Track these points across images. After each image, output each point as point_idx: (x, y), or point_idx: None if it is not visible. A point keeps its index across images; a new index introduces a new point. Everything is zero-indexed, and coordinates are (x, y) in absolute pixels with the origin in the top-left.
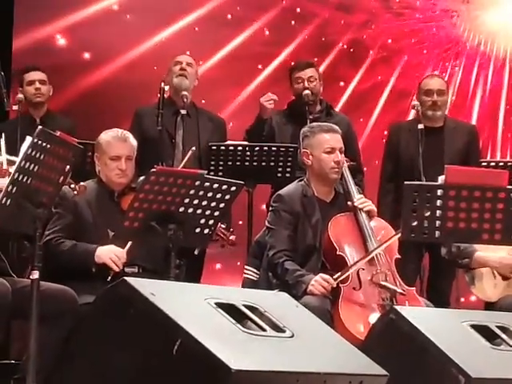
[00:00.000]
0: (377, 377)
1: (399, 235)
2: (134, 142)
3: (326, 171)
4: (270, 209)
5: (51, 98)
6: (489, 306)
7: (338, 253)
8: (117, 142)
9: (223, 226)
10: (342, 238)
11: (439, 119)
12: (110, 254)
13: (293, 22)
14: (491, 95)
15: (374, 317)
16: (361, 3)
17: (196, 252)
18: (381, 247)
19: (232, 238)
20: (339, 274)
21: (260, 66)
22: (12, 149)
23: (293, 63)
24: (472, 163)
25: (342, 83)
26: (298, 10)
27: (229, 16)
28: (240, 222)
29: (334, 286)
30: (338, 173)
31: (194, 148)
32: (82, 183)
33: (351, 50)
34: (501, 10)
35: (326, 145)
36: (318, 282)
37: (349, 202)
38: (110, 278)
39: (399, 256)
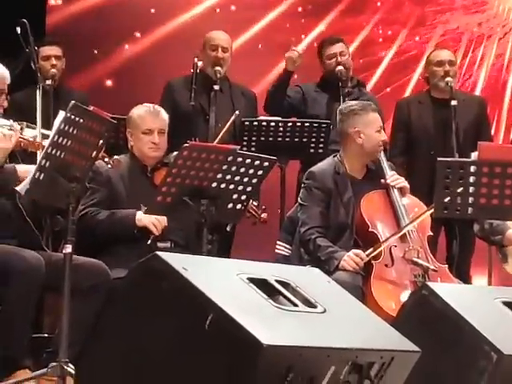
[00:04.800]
0: (409, 353)
1: (431, 211)
2: (165, 115)
3: (376, 149)
4: (303, 185)
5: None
6: None
7: (370, 230)
8: (149, 116)
9: (255, 203)
10: (375, 215)
11: (449, 90)
12: (150, 217)
13: None
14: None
15: (405, 294)
16: None
17: (228, 228)
18: (413, 223)
19: (264, 215)
20: (371, 249)
21: (293, 39)
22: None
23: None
24: (484, 134)
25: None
26: None
27: None
28: (271, 198)
29: (366, 261)
30: (381, 151)
31: (227, 125)
32: (116, 157)
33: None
34: None
35: (378, 123)
36: (350, 258)
37: (382, 180)
38: (150, 241)
39: (431, 233)
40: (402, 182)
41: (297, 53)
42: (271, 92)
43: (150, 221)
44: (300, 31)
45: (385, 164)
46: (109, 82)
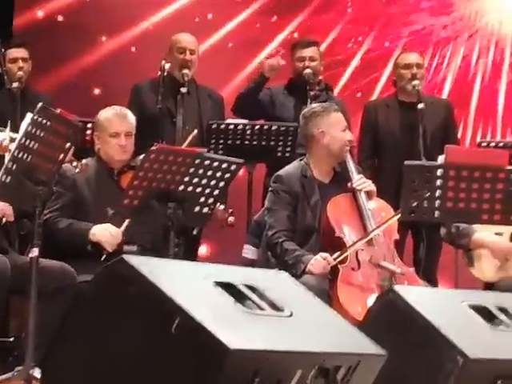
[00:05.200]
0: (375, 356)
1: (398, 216)
2: (133, 118)
3: (342, 149)
4: (270, 189)
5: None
6: (488, 286)
7: (336, 234)
8: (116, 119)
9: (222, 206)
10: (341, 219)
11: (417, 94)
12: (105, 232)
13: None
14: (491, 76)
15: (372, 298)
16: None
17: (195, 231)
18: (380, 228)
19: (231, 219)
20: (338, 253)
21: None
22: None
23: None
24: (451, 137)
25: None
26: None
27: None
28: (238, 202)
29: (333, 265)
30: (348, 151)
31: (196, 131)
32: (84, 161)
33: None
34: None
35: (342, 123)
36: (317, 261)
37: (348, 183)
38: (103, 257)
39: (398, 237)
40: (369, 186)
41: (278, 61)
42: (243, 95)
43: (104, 236)
44: (270, 31)
45: (352, 167)
46: (76, 84)
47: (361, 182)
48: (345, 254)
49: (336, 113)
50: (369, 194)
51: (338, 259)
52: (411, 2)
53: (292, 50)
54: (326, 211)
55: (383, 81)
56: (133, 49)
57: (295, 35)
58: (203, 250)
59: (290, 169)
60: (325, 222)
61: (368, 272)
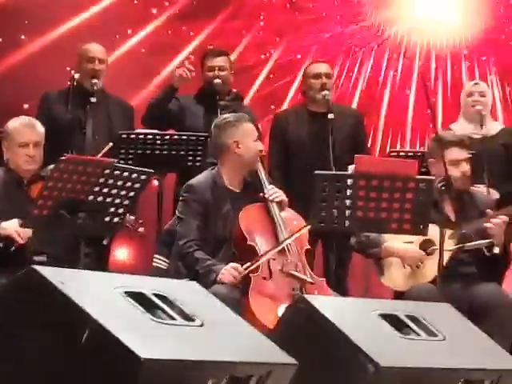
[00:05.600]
0: (286, 365)
1: (309, 227)
2: (41, 128)
3: (254, 159)
4: (181, 198)
5: None
6: (398, 295)
7: (248, 243)
8: (25, 129)
9: (132, 217)
10: (253, 229)
11: (326, 104)
12: (14, 225)
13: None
14: (400, 85)
15: (283, 307)
16: None
17: (105, 242)
18: (291, 238)
19: (141, 229)
20: (249, 263)
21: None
22: None
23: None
24: (361, 147)
25: None
26: None
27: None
28: (149, 211)
29: (244, 274)
30: (259, 161)
31: (111, 144)
32: None
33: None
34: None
35: (254, 133)
36: (228, 271)
37: (260, 193)
38: (13, 248)
39: (309, 246)
40: (281, 196)
41: (185, 71)
42: (152, 106)
43: (14, 229)
44: (182, 38)
45: (263, 177)
46: None
47: (273, 193)
48: (256, 264)
49: (248, 123)
50: (280, 205)
51: (249, 269)
52: (320, 10)
53: (202, 60)
54: (237, 220)
55: (293, 90)
56: None
57: (208, 46)
58: (114, 259)
59: (202, 178)
60: (237, 231)
61: (279, 281)
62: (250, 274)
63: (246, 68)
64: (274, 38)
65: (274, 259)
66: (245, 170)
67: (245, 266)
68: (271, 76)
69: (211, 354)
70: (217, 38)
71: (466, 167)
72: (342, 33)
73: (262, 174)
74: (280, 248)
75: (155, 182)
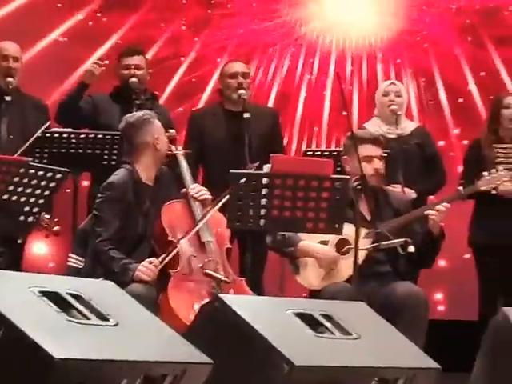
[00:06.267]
0: (201, 365)
1: (226, 198)
2: None
3: (166, 153)
4: (99, 196)
5: None
6: (313, 294)
7: (169, 239)
8: None
9: (47, 216)
10: (175, 225)
11: (242, 103)
12: None
13: None
14: (316, 85)
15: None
16: None
17: (20, 241)
18: (205, 218)
19: (56, 228)
20: (164, 255)
21: None
22: None
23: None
24: (276, 146)
25: None
26: None
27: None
28: (64, 210)
29: (161, 267)
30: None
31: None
32: None
33: None
34: (333, 3)
35: (162, 127)
36: (145, 266)
37: (183, 190)
38: None
39: (230, 246)
40: (205, 194)
41: (98, 66)
42: (63, 104)
43: None
44: (102, 34)
45: (187, 175)
46: None
47: (197, 191)
48: (171, 254)
49: (156, 118)
50: (203, 203)
51: (166, 260)
52: (236, 6)
53: (118, 58)
54: (159, 216)
55: (209, 89)
56: None
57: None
58: (28, 258)
59: (120, 176)
60: (158, 228)
61: (200, 279)
62: (170, 271)
63: (163, 63)
64: (190, 32)
65: (194, 256)
66: (159, 165)
67: (160, 259)
68: (187, 71)
69: (125, 354)
70: (135, 35)
71: (378, 164)
72: (256, 30)
73: (186, 171)
74: (194, 232)
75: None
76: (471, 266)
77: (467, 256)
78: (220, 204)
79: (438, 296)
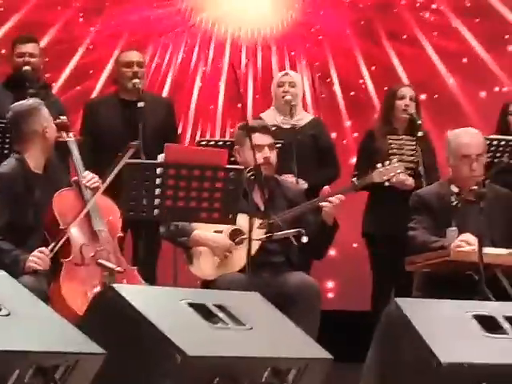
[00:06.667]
0: (94, 355)
1: (102, 189)
2: None
3: (54, 142)
4: None
5: None
6: (206, 284)
7: (61, 227)
8: None
9: None
10: (67, 213)
11: (137, 92)
12: None
13: None
14: (211, 75)
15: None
16: None
17: None
18: (92, 201)
19: None
20: (54, 243)
21: None
22: None
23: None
24: (171, 136)
25: None
26: None
27: None
28: None
29: (52, 255)
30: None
31: None
32: None
33: None
34: None
35: (50, 117)
36: (35, 256)
37: (74, 178)
38: None
39: (122, 234)
40: (96, 182)
41: None
42: None
43: None
44: None
45: (79, 163)
46: None
47: (89, 179)
48: (61, 242)
49: (45, 107)
50: (95, 191)
51: (55, 248)
52: None
53: (12, 46)
54: (51, 205)
55: (104, 78)
56: None
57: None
58: None
59: (8, 166)
60: (50, 216)
61: (92, 268)
62: (62, 260)
63: (58, 47)
64: (84, 18)
65: (87, 245)
66: (48, 154)
67: (50, 247)
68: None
69: (17, 344)
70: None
71: (268, 153)
72: (149, 17)
73: (77, 159)
74: (83, 214)
75: None
76: (361, 256)
77: (355, 245)
78: (109, 179)
79: (330, 285)
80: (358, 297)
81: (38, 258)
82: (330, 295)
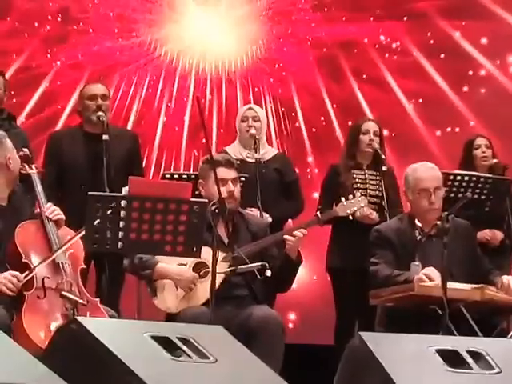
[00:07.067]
0: None
1: (82, 234)
2: None
3: (17, 173)
4: None
5: None
6: (170, 317)
7: (23, 260)
8: None
9: None
10: (29, 246)
11: (101, 125)
12: None
13: None
14: (176, 108)
15: (56, 326)
16: None
17: None
18: (64, 247)
19: None
20: (27, 272)
21: None
22: None
23: None
24: (136, 169)
25: None
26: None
27: None
28: None
29: (23, 282)
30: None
31: None
32: None
33: None
34: (192, 25)
35: (13, 149)
36: (8, 279)
37: (37, 209)
38: None
39: (85, 266)
40: (58, 215)
41: None
42: None
43: None
44: None
45: (41, 194)
46: None
47: (51, 211)
48: (31, 274)
49: (7, 138)
50: (57, 223)
51: (28, 277)
52: (92, 22)
53: None
54: (13, 237)
55: (68, 110)
56: None
57: None
58: None
59: None
60: (12, 248)
61: (54, 300)
62: (24, 292)
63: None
64: (45, 47)
65: (48, 277)
66: (13, 185)
67: (24, 275)
68: (45, 97)
69: None
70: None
71: (232, 187)
72: (112, 47)
73: (39, 191)
74: (52, 258)
75: None
76: (321, 289)
77: (315, 278)
78: (76, 238)
79: (291, 317)
80: (319, 330)
81: (10, 281)
82: (291, 325)
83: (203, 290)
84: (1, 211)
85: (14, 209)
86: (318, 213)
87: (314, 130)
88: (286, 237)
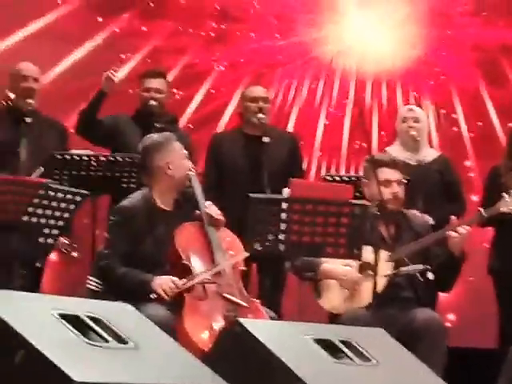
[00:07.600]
0: None
1: (247, 255)
2: None
3: (185, 177)
4: (110, 219)
5: None
6: (333, 319)
7: (183, 262)
8: None
9: (66, 241)
10: (188, 247)
11: (262, 127)
12: None
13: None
14: (336, 110)
15: (218, 328)
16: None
17: (39, 264)
18: (230, 262)
19: (74, 254)
20: (186, 280)
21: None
22: None
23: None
24: (296, 171)
25: None
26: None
27: None
28: (83, 233)
29: (179, 290)
30: (193, 178)
31: (42, 169)
32: None
33: None
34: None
35: (182, 151)
36: (167, 285)
37: (197, 211)
38: None
39: (245, 268)
40: (218, 216)
41: (109, 74)
42: (83, 112)
43: None
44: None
45: (200, 196)
46: None
47: (213, 209)
48: (192, 282)
49: (176, 142)
50: (217, 224)
51: (187, 285)
52: (251, 21)
53: (139, 80)
54: (173, 239)
55: (229, 111)
56: None
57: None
58: (48, 281)
59: (133, 200)
60: (172, 250)
61: (214, 302)
62: (185, 294)
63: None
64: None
65: (208, 279)
66: (176, 190)
67: (182, 282)
68: (207, 99)
69: (144, 378)
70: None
71: (396, 188)
72: (271, 47)
73: (199, 192)
74: (217, 271)
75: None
76: (479, 290)
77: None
78: (241, 258)
79: (450, 317)
80: (480, 333)
81: (170, 287)
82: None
83: (368, 291)
84: (162, 215)
85: (179, 214)
86: (481, 209)
87: (472, 134)
88: (449, 233)
